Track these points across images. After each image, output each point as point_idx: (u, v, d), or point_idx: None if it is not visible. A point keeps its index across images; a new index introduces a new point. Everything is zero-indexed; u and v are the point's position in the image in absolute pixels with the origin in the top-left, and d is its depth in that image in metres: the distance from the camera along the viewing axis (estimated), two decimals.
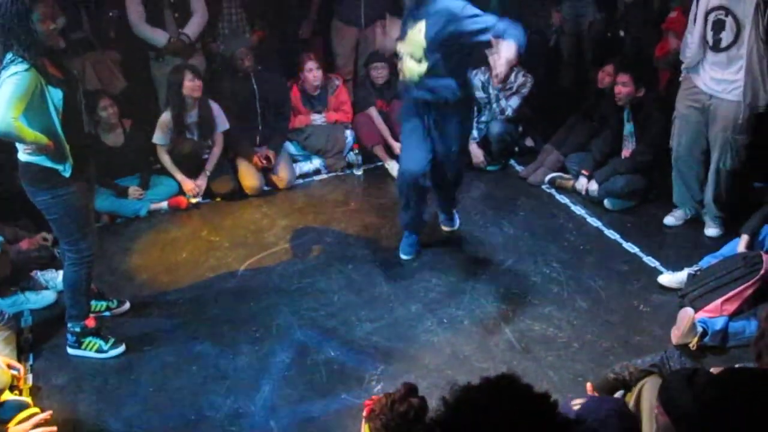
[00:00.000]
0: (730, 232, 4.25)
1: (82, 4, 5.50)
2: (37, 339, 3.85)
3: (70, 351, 3.69)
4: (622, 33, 5.73)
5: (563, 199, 5.08)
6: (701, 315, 3.58)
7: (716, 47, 4.04)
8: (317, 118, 5.64)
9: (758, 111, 4.04)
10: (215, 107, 5.19)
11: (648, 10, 5.62)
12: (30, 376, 3.56)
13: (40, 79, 3.09)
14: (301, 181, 5.49)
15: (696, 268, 3.96)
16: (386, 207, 5.01)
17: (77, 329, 3.65)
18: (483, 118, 5.51)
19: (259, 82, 5.30)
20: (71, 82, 3.30)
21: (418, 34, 3.72)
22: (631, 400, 2.68)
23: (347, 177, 5.55)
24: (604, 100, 5.15)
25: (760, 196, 4.39)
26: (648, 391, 2.60)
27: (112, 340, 3.69)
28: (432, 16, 3.67)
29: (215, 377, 3.54)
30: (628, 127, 4.85)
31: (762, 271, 3.55)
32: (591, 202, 4.95)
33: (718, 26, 3.98)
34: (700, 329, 3.52)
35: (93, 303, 3.85)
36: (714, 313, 3.57)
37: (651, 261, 4.33)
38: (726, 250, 3.93)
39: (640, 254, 4.41)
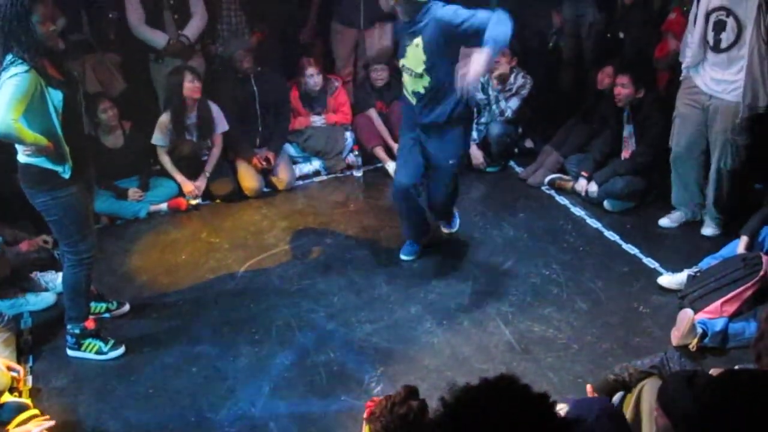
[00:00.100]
0: (729, 233, 4.25)
1: (82, 5, 5.51)
2: (36, 341, 3.84)
3: (69, 353, 3.69)
4: (621, 34, 5.72)
5: (563, 200, 5.08)
6: (701, 316, 3.58)
7: (717, 48, 4.04)
8: (317, 120, 5.64)
9: (758, 112, 4.04)
10: (215, 108, 5.19)
11: (647, 12, 5.62)
12: (30, 378, 3.56)
13: (40, 81, 3.09)
14: (300, 182, 5.48)
15: (696, 270, 3.96)
16: (386, 208, 5.00)
17: (77, 331, 3.64)
18: (483, 120, 5.51)
19: (258, 84, 5.30)
20: (71, 83, 3.30)
21: (417, 48, 3.74)
22: (630, 402, 2.68)
23: (347, 178, 5.55)
24: (604, 102, 5.14)
25: (760, 198, 4.38)
26: (648, 392, 2.61)
27: (111, 342, 3.69)
28: (427, 29, 3.68)
29: (215, 378, 3.54)
30: (628, 129, 4.85)
31: (762, 273, 3.56)
32: (591, 204, 4.95)
33: (719, 27, 3.98)
34: (699, 330, 3.52)
35: (93, 305, 3.85)
36: (714, 315, 3.57)
37: (651, 262, 4.33)
38: (726, 252, 3.93)
39: (640, 255, 4.40)
